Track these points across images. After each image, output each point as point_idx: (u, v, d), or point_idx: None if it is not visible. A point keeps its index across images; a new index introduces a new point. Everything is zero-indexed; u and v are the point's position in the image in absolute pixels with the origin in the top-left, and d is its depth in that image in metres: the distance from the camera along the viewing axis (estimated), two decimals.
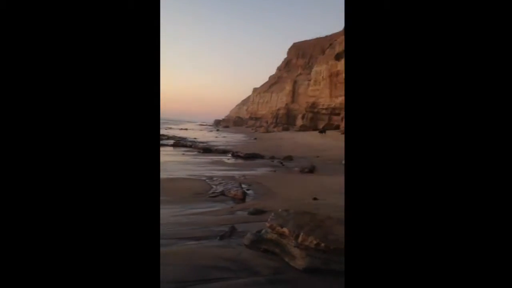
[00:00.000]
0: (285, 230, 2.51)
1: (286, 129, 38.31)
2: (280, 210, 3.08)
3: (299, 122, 37.18)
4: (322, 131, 27.43)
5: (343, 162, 8.80)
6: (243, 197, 4.45)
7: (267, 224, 2.67)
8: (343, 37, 36.08)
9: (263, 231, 2.73)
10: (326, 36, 58.77)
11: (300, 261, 2.24)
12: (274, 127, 42.72)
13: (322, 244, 2.27)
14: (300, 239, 2.38)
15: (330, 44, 40.58)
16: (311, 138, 21.17)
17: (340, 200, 4.16)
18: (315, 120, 34.88)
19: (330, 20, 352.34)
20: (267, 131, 36.40)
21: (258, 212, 3.63)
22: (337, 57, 33.26)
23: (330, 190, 4.93)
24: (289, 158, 9.90)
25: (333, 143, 17.03)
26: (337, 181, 5.92)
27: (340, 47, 33.61)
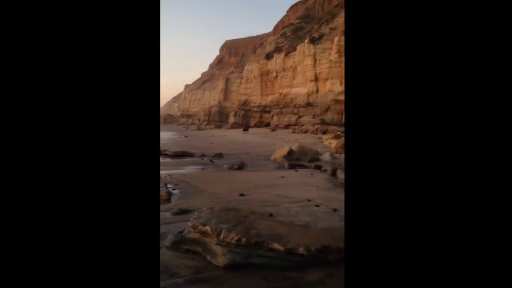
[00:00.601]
0: (207, 228, 2.47)
1: (219, 127, 38.27)
2: (204, 208, 3.02)
3: (231, 119, 37.41)
4: (245, 129, 28.50)
5: (271, 157, 9.11)
6: (167, 197, 4.28)
7: (190, 224, 2.60)
8: (273, 37, 37.28)
9: (185, 231, 2.65)
10: (257, 36, 60.18)
11: (221, 259, 2.23)
12: (207, 124, 42.31)
13: (243, 239, 2.29)
14: (222, 236, 2.37)
15: (261, 44, 41.65)
16: (243, 135, 21.46)
17: (265, 195, 4.29)
18: (247, 118, 35.50)
19: (261, 20, 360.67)
20: (199, 129, 35.88)
21: (183, 212, 3.52)
22: (268, 57, 34.27)
23: (257, 186, 5.04)
24: (220, 155, 9.87)
25: (263, 139, 17.53)
26: (265, 177, 6.09)
27: (270, 47, 34.71)
